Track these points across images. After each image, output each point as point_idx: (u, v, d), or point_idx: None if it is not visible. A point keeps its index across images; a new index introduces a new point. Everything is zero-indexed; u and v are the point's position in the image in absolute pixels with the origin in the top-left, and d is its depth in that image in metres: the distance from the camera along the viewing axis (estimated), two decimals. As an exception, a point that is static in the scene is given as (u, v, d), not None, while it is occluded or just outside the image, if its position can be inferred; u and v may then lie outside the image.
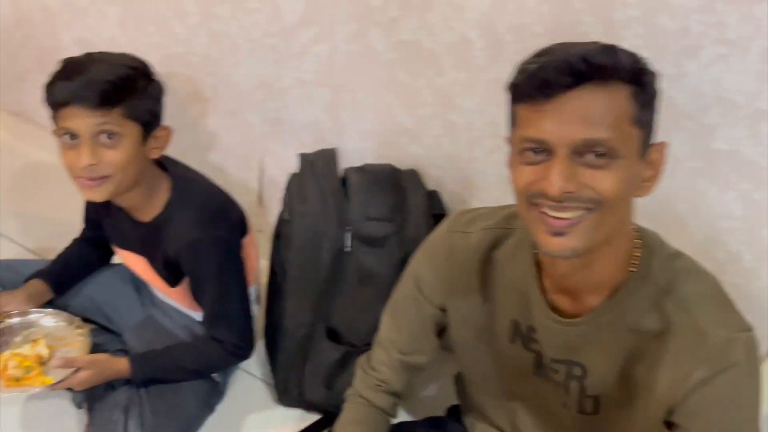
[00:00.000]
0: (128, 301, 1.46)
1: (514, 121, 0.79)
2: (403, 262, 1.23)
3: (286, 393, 1.44)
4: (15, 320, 1.31)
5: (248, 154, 1.67)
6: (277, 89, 1.52)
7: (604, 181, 0.73)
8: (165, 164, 1.26)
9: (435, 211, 1.30)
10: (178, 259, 1.22)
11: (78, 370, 1.18)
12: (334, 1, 1.33)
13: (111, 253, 1.50)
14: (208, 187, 1.29)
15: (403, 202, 1.27)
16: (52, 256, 1.70)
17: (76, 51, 1.76)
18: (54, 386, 1.18)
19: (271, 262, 1.46)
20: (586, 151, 0.73)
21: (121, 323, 1.44)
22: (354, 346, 1.32)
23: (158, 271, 1.30)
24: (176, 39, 1.58)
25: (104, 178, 1.12)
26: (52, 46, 1.82)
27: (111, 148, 1.10)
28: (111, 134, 1.10)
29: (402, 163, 1.45)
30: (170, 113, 1.24)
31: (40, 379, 1.19)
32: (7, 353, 1.23)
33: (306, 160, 1.40)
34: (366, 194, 1.25)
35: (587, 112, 0.72)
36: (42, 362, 1.23)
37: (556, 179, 0.73)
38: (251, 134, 1.63)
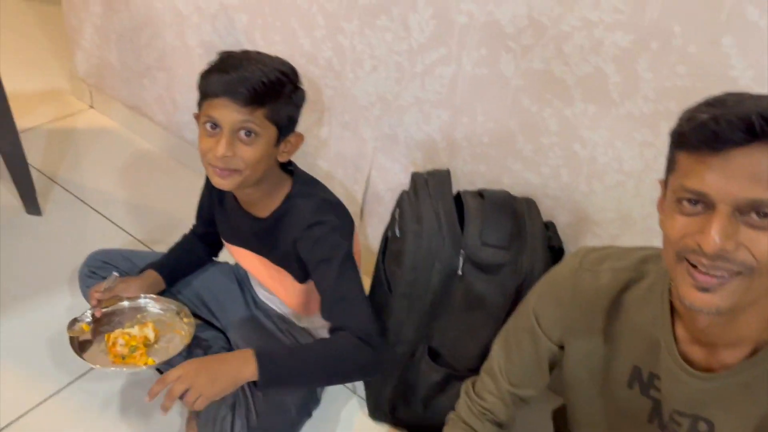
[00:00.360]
0: (233, 299, 1.50)
1: (674, 167, 0.77)
2: (516, 292, 1.24)
3: (378, 408, 1.45)
4: (126, 303, 1.37)
5: (356, 167, 1.70)
6: (395, 107, 1.54)
7: (762, 242, 0.71)
8: (288, 165, 1.29)
9: (552, 243, 1.28)
10: (297, 245, 1.23)
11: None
12: (467, 25, 1.34)
13: (218, 250, 1.55)
14: (325, 187, 1.32)
15: (520, 231, 1.26)
16: (157, 247, 1.79)
17: (200, 53, 1.85)
18: (154, 366, 1.24)
19: (373, 276, 1.48)
20: (749, 211, 0.71)
21: (225, 320, 1.48)
22: (455, 369, 1.31)
23: (280, 265, 1.32)
24: (301, 50, 1.62)
25: (234, 171, 1.16)
26: (177, 47, 1.90)
27: (247, 144, 1.14)
28: (250, 132, 1.14)
29: (514, 190, 1.45)
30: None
31: (143, 359, 1.24)
32: (117, 331, 1.28)
33: (420, 179, 1.41)
34: (484, 220, 1.25)
35: (757, 171, 0.70)
36: (147, 344, 1.29)
37: (714, 236, 0.70)
38: (362, 147, 1.66)
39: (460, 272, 1.25)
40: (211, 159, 1.16)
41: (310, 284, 1.29)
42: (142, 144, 2.18)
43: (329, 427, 1.43)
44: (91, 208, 1.90)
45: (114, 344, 1.25)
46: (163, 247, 1.77)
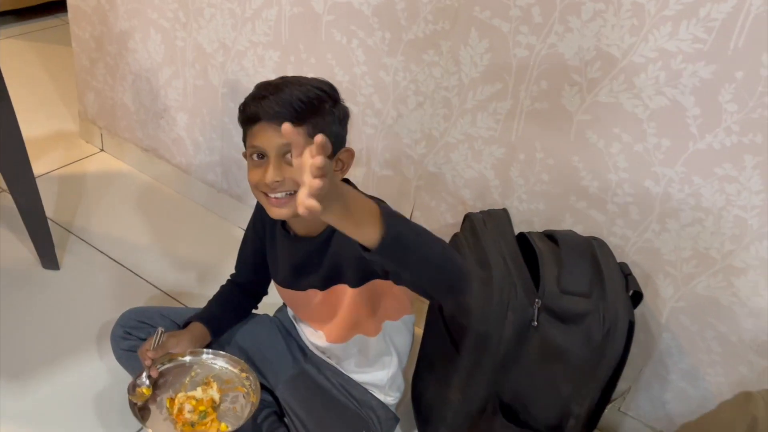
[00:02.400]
0: (280, 353, 1.40)
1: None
2: (603, 342, 1.15)
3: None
4: (187, 359, 1.27)
5: (397, 207, 1.61)
6: (442, 144, 1.46)
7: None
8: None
9: (631, 288, 1.19)
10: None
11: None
12: (525, 58, 1.27)
13: (259, 300, 1.45)
14: None
15: (599, 275, 1.17)
16: (187, 300, 1.69)
17: (225, 92, 1.76)
18: None
19: (428, 327, 1.38)
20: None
21: (273, 377, 1.37)
22: (533, 427, 1.21)
23: (334, 280, 1.21)
24: (339, 86, 1.54)
25: (290, 196, 1.08)
26: (200, 86, 1.81)
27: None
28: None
29: (576, 228, 1.37)
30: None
31: (216, 425, 1.14)
32: (181, 395, 1.18)
33: (477, 220, 1.33)
34: (562, 265, 1.16)
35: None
36: (214, 407, 1.18)
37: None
38: (404, 186, 1.57)
39: (535, 323, 1.16)
40: (263, 188, 1.09)
41: (364, 293, 1.19)
42: (160, 188, 2.07)
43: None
44: (112, 259, 1.79)
45: (180, 411, 1.14)
46: (193, 300, 1.69)
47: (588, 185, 1.32)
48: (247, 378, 1.25)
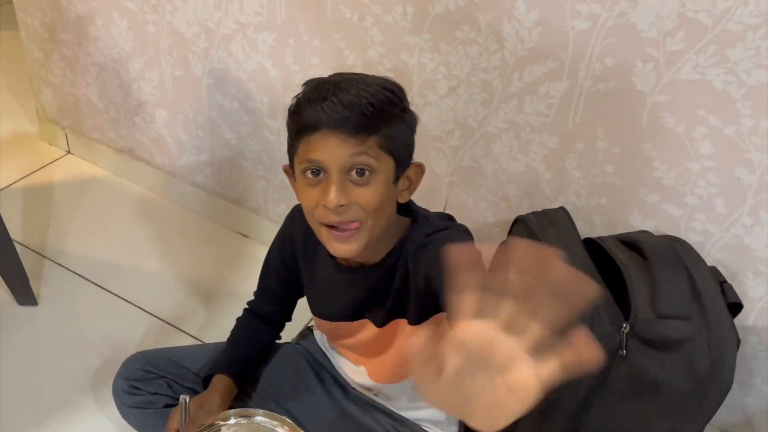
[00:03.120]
0: (314, 394, 1.20)
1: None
2: (710, 372, 0.97)
3: None
4: (231, 421, 1.06)
5: (425, 205, 1.40)
6: (481, 134, 1.24)
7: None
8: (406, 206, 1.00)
9: (729, 298, 1.02)
10: (416, 262, 0.94)
11: None
12: (587, 31, 1.05)
13: (281, 330, 1.24)
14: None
15: (694, 289, 0.99)
16: (188, 327, 1.47)
17: (210, 83, 1.51)
18: None
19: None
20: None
21: (310, 423, 1.18)
22: (622, 468, 1.05)
23: (392, 315, 1.01)
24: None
25: (355, 228, 0.87)
26: (179, 77, 1.55)
27: (363, 186, 0.85)
28: (363, 170, 0.85)
29: (646, 225, 1.18)
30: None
31: None
32: None
33: (533, 223, 1.13)
34: (654, 282, 0.97)
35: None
36: None
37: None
38: (434, 183, 1.36)
39: (623, 352, 0.98)
40: (323, 215, 0.87)
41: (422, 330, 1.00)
42: (142, 193, 1.82)
43: None
44: (96, 284, 1.55)
45: None
46: (201, 329, 1.47)
47: (662, 176, 1.12)
48: None
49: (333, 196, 0.84)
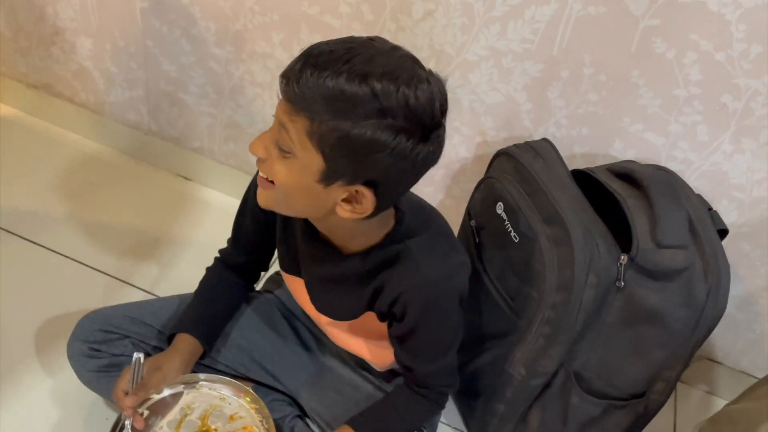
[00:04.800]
0: (292, 349, 1.14)
1: None
2: (705, 299, 0.98)
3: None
4: (166, 393, 0.98)
5: (393, 141, 1.32)
6: (459, 62, 1.17)
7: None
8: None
9: (717, 225, 1.02)
10: (400, 299, 0.89)
11: None
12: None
13: (256, 282, 1.15)
14: (430, 208, 0.96)
15: (688, 218, 0.98)
16: (144, 283, 1.34)
17: (144, 7, 1.34)
18: None
19: (474, 295, 1.16)
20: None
21: (290, 380, 1.12)
22: (615, 397, 1.06)
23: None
24: (313, -5, 1.18)
25: (271, 183, 0.81)
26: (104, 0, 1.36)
27: (280, 159, 0.78)
28: (282, 146, 0.77)
29: (626, 155, 1.17)
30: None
31: None
32: None
33: (522, 158, 1.08)
34: (653, 213, 0.96)
35: None
36: None
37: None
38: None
39: (621, 283, 0.97)
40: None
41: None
42: (63, 134, 1.62)
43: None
44: (24, 239, 1.38)
45: None
46: (157, 284, 1.35)
47: (647, 104, 1.10)
48: (258, 411, 0.99)
49: (252, 144, 0.79)
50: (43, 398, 1.13)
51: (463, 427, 1.24)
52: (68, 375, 1.10)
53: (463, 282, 0.92)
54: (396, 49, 0.75)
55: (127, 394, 0.92)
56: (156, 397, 0.97)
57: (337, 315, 1.00)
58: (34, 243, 1.38)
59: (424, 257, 0.88)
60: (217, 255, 1.11)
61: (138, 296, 1.32)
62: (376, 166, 0.74)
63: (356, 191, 0.77)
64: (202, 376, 1.01)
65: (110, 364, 1.04)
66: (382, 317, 0.95)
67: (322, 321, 1.05)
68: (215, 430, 0.95)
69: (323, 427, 1.09)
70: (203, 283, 1.09)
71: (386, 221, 0.88)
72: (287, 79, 0.73)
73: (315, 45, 0.74)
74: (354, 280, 0.92)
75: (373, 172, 0.75)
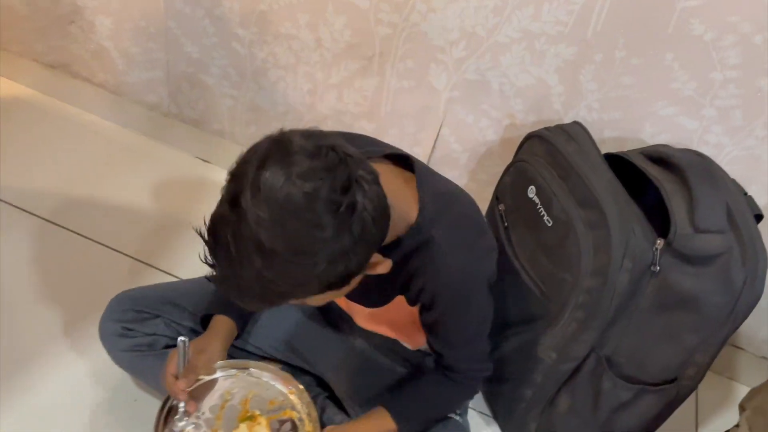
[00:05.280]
0: (320, 331, 1.13)
1: None
2: (742, 285, 0.97)
3: (524, 430, 1.18)
4: (219, 375, 0.98)
5: (420, 125, 1.31)
6: (490, 44, 1.15)
7: None
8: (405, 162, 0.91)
9: (753, 210, 1.01)
10: (425, 290, 0.90)
11: None
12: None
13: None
14: (453, 186, 0.95)
15: (727, 203, 0.98)
16: (162, 263, 1.34)
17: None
18: None
19: (503, 278, 1.15)
20: None
21: (319, 362, 1.12)
22: (646, 383, 1.05)
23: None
24: None
25: None
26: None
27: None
28: None
29: (657, 139, 1.16)
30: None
31: None
32: None
33: (555, 141, 1.07)
34: (691, 197, 0.95)
35: None
36: None
37: None
38: (431, 99, 1.26)
39: (656, 268, 0.97)
40: None
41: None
42: (81, 115, 1.60)
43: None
44: (47, 221, 1.37)
45: None
46: (177, 265, 1.34)
47: (681, 88, 1.09)
48: (298, 396, 0.98)
49: None
50: (72, 379, 1.13)
51: (487, 411, 1.25)
52: (95, 356, 1.11)
53: (490, 267, 0.92)
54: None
55: (176, 378, 0.91)
56: (206, 378, 0.97)
57: (367, 304, 1.00)
58: (56, 224, 1.36)
59: (449, 246, 0.87)
60: None
61: (160, 278, 1.31)
62: (346, 261, 0.71)
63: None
64: (251, 362, 1.00)
65: (143, 344, 1.04)
66: (411, 303, 0.95)
67: (353, 309, 1.05)
68: (258, 414, 0.94)
69: (353, 409, 1.09)
70: None
71: (408, 212, 0.86)
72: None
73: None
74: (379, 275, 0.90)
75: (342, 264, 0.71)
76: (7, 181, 1.42)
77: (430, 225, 0.86)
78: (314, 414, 0.96)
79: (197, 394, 0.95)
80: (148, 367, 1.04)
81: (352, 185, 0.69)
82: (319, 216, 0.67)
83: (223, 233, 0.70)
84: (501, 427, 1.23)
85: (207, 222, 0.73)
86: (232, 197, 0.69)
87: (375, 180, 0.72)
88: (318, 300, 0.78)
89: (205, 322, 1.03)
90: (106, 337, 1.04)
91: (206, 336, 0.99)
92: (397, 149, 0.92)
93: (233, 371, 0.99)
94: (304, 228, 0.67)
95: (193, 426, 0.92)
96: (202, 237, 0.73)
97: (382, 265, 0.80)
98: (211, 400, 0.96)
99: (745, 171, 1.14)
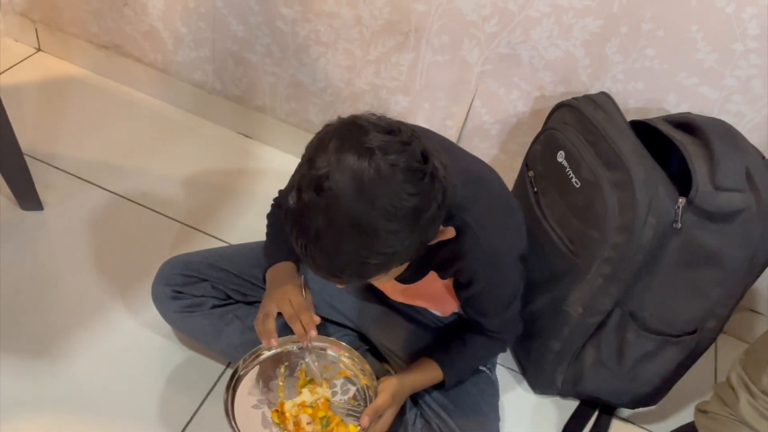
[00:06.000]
0: (357, 290, 1.21)
1: None
2: (759, 240, 1.03)
3: (551, 384, 1.26)
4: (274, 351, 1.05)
5: (453, 98, 1.38)
6: (521, 19, 1.22)
7: None
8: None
9: (771, 173, 1.08)
10: (462, 271, 0.96)
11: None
12: None
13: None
14: (486, 169, 1.00)
15: (746, 164, 1.04)
16: (209, 228, 1.43)
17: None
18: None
19: (532, 238, 1.22)
20: None
21: (357, 317, 1.19)
22: (670, 334, 1.12)
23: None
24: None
25: None
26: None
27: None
28: None
29: (680, 108, 1.22)
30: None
31: (344, 429, 0.96)
32: (289, 405, 0.97)
33: (584, 109, 1.14)
34: (712, 157, 1.01)
35: None
36: (331, 406, 1.00)
37: None
38: (464, 73, 1.34)
39: (678, 225, 1.03)
40: None
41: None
42: (131, 93, 1.71)
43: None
44: (101, 187, 1.47)
45: (298, 425, 0.95)
46: (223, 230, 1.43)
47: (704, 58, 1.15)
48: (348, 356, 1.05)
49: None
50: (128, 334, 1.22)
51: (514, 367, 1.32)
52: (148, 313, 1.20)
53: (522, 242, 0.98)
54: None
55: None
56: (267, 354, 1.04)
57: (402, 280, 1.03)
58: (109, 191, 1.46)
59: (482, 230, 0.90)
60: (272, 202, 1.14)
61: (207, 241, 1.41)
62: (423, 229, 0.76)
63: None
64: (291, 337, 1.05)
65: (192, 305, 1.13)
66: (444, 278, 1.00)
67: (385, 289, 1.12)
68: (323, 380, 1.01)
69: (395, 361, 1.17)
70: (271, 227, 1.13)
71: None
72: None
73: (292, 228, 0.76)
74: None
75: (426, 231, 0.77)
76: (66, 153, 1.52)
77: (461, 209, 0.89)
78: (368, 368, 1.02)
79: (261, 373, 1.02)
80: (198, 325, 1.13)
81: (429, 155, 0.74)
82: (406, 184, 0.70)
83: (314, 220, 0.71)
84: (529, 382, 1.30)
85: (289, 215, 0.74)
86: (315, 183, 0.70)
87: (440, 150, 0.78)
88: (396, 272, 0.82)
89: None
90: (158, 300, 1.13)
91: (287, 286, 1.03)
92: None
93: (285, 346, 1.05)
94: (396, 198, 0.70)
95: (257, 402, 0.99)
96: (290, 230, 0.75)
97: (447, 233, 0.84)
98: (273, 376, 1.02)
99: (766, 138, 1.19)
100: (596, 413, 1.27)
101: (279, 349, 1.04)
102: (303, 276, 1.06)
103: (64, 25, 1.68)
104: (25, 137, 1.54)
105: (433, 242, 0.83)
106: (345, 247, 0.72)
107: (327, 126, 0.76)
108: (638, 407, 1.26)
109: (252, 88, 1.58)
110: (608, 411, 1.28)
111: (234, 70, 1.57)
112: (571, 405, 1.28)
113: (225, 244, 1.39)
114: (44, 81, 1.71)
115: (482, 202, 0.93)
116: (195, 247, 1.29)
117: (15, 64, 1.73)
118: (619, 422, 1.28)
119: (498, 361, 1.32)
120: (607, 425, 1.26)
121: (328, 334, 1.14)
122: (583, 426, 1.25)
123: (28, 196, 1.35)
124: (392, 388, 0.97)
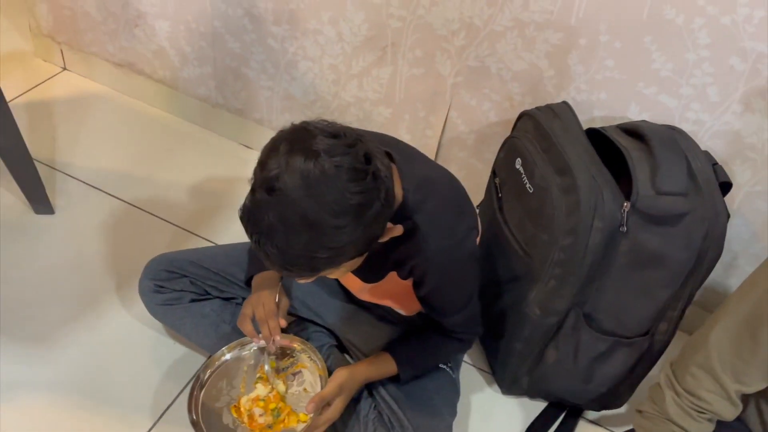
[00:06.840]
0: (328, 290, 1.28)
1: None
2: (702, 242, 1.06)
3: (516, 384, 1.30)
4: (235, 353, 1.14)
5: (430, 108, 1.45)
6: (486, 33, 1.28)
7: None
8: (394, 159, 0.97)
9: (720, 178, 1.10)
10: (416, 269, 1.00)
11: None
12: None
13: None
14: (439, 169, 1.06)
15: (690, 170, 1.07)
16: (205, 232, 1.53)
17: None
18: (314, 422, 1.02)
19: (489, 241, 1.27)
20: None
21: (326, 314, 1.27)
22: (622, 335, 1.15)
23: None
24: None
25: None
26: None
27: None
28: None
29: (641, 117, 1.25)
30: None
31: (295, 417, 1.03)
32: (244, 401, 1.06)
33: (541, 118, 1.19)
34: (654, 163, 1.05)
35: None
36: (284, 398, 1.08)
37: None
38: (438, 85, 1.40)
39: (624, 228, 1.07)
40: None
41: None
42: (143, 108, 1.84)
43: (464, 411, 1.27)
44: (109, 194, 1.59)
45: (251, 417, 1.03)
46: (214, 233, 1.53)
47: (660, 68, 1.18)
48: (304, 350, 1.12)
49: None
50: (120, 326, 1.33)
51: (486, 368, 1.36)
52: (138, 309, 1.29)
53: (472, 245, 1.02)
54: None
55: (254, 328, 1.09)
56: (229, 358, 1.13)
57: (364, 278, 1.10)
58: (117, 198, 1.59)
59: (431, 231, 0.95)
60: None
61: (201, 244, 1.51)
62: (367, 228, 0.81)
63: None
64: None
65: (173, 299, 1.22)
66: (403, 278, 1.05)
67: (353, 288, 1.18)
68: (275, 379, 1.09)
69: (358, 356, 1.23)
70: None
71: (396, 199, 0.94)
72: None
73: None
74: (374, 254, 0.94)
75: (372, 228, 0.82)
76: (80, 162, 1.66)
77: (412, 211, 0.94)
78: (322, 361, 1.09)
79: (225, 373, 1.11)
80: (178, 317, 1.22)
81: (372, 157, 0.80)
82: (350, 183, 0.76)
83: (266, 217, 0.77)
84: (498, 382, 1.34)
85: (244, 213, 0.80)
86: (267, 184, 0.77)
87: (383, 154, 0.85)
88: (348, 266, 0.88)
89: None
90: (142, 293, 1.23)
91: (263, 291, 1.11)
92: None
93: (250, 346, 1.13)
94: (341, 195, 0.76)
95: (226, 402, 1.07)
96: (245, 227, 0.80)
97: (395, 230, 0.90)
98: (236, 375, 1.11)
99: (727, 146, 1.21)
100: (563, 415, 1.30)
101: (245, 351, 1.12)
102: (281, 284, 1.14)
103: (85, 46, 1.83)
104: (45, 148, 1.69)
105: (384, 239, 0.89)
106: (295, 242, 0.78)
107: (280, 132, 0.83)
108: (603, 409, 1.29)
109: (251, 102, 1.68)
110: (575, 413, 1.31)
111: (234, 85, 1.67)
112: (540, 406, 1.32)
113: (213, 245, 1.49)
114: (68, 97, 1.86)
115: (432, 204, 0.97)
116: (188, 247, 1.39)
117: (42, 82, 1.89)
118: (586, 424, 1.30)
119: (470, 361, 1.37)
120: (573, 427, 1.29)
121: (307, 332, 1.22)
122: (548, 427, 1.28)
123: (40, 201, 1.48)
124: (340, 378, 1.04)
